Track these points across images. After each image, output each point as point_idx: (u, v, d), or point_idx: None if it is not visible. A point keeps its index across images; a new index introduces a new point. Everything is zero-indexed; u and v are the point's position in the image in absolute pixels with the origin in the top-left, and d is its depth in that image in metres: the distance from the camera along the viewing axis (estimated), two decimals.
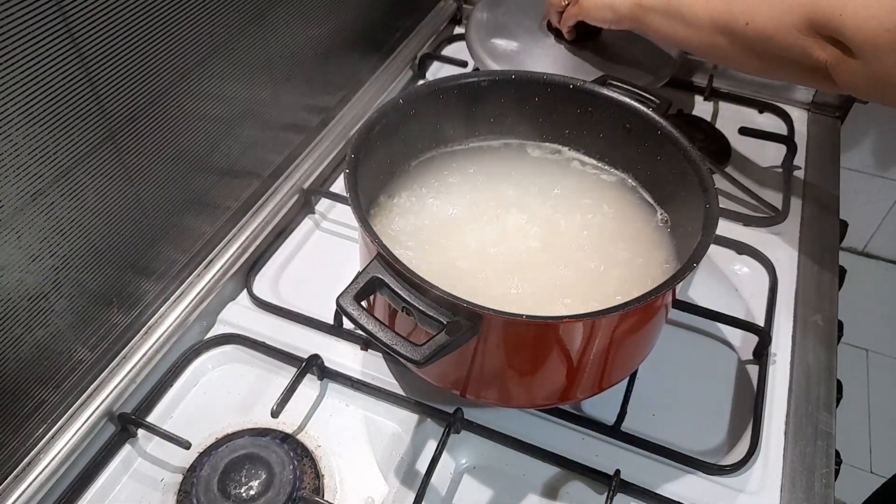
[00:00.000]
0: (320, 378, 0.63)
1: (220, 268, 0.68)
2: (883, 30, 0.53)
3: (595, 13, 0.75)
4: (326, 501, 0.54)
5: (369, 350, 0.65)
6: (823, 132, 0.91)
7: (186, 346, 0.65)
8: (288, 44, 0.72)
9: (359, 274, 0.49)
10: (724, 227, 0.77)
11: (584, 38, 0.85)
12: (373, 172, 0.61)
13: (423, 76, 0.98)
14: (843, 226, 0.80)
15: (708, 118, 0.92)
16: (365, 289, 0.48)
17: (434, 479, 0.55)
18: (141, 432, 0.59)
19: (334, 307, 0.51)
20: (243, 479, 0.54)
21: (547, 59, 0.84)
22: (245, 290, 0.70)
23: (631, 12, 0.72)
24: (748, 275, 0.74)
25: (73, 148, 0.50)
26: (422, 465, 0.57)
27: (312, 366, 0.61)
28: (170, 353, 0.63)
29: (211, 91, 0.62)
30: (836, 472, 0.59)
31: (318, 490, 0.55)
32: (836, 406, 0.63)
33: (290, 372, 0.61)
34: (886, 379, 1.65)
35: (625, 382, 0.60)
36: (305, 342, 0.65)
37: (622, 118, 0.63)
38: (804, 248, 0.76)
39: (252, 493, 0.54)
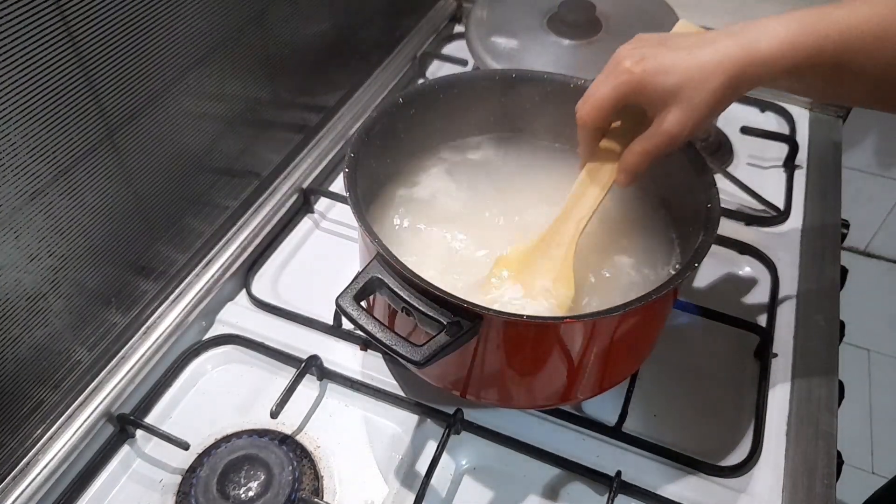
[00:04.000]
0: (320, 378, 0.62)
1: (219, 267, 0.68)
2: None
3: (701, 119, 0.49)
4: (326, 503, 0.53)
5: (369, 350, 0.65)
6: (825, 131, 0.91)
7: (185, 347, 0.64)
8: (287, 42, 0.72)
9: (358, 274, 0.48)
10: (726, 227, 0.76)
11: (583, 37, 0.85)
12: (372, 172, 0.61)
13: (423, 75, 0.97)
14: (845, 225, 0.80)
15: None
16: (365, 289, 0.48)
17: (434, 480, 0.55)
18: (139, 433, 0.59)
19: (334, 307, 0.51)
20: (242, 480, 0.54)
21: (547, 57, 0.84)
22: (244, 290, 0.70)
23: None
24: (750, 274, 0.73)
25: (72, 147, 0.49)
26: (422, 466, 0.57)
27: (312, 366, 0.61)
28: (168, 353, 0.63)
29: (210, 90, 0.62)
30: (838, 473, 0.59)
31: (318, 491, 0.55)
32: (838, 406, 0.62)
33: (289, 372, 0.61)
34: (888, 379, 1.65)
35: (626, 383, 0.60)
36: (305, 342, 0.65)
37: None
38: (806, 247, 0.76)
39: (251, 494, 0.53)
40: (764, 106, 0.94)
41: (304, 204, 0.78)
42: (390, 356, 0.62)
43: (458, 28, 1.07)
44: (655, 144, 0.50)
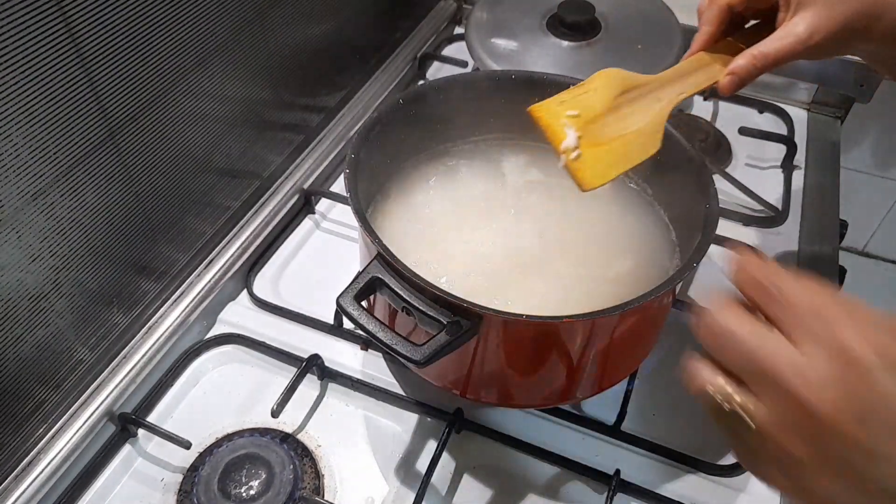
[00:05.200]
0: (320, 378, 0.63)
1: (221, 267, 0.68)
2: None
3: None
4: (326, 501, 0.54)
5: (369, 350, 0.65)
6: (823, 132, 0.91)
7: (187, 346, 0.65)
8: (288, 43, 0.72)
9: (359, 274, 0.49)
10: (724, 227, 0.76)
11: (583, 39, 0.85)
12: (373, 172, 0.61)
13: (423, 76, 0.98)
14: (843, 225, 0.80)
15: (708, 118, 0.92)
16: (365, 289, 0.48)
17: (434, 478, 0.55)
18: (141, 432, 0.59)
19: (334, 307, 0.51)
20: (243, 478, 0.54)
21: (547, 58, 0.84)
22: (245, 290, 0.70)
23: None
24: None
25: (74, 148, 0.50)
26: (422, 465, 0.57)
27: (312, 366, 0.61)
28: (170, 352, 0.63)
29: (211, 90, 0.62)
30: None
31: (318, 490, 0.55)
32: None
33: (290, 372, 0.61)
34: None
35: (625, 382, 0.60)
36: (306, 342, 0.65)
37: None
38: (804, 247, 0.76)
39: (252, 492, 0.54)
40: (762, 106, 0.94)
41: (305, 204, 0.78)
42: (391, 356, 0.62)
43: (458, 29, 1.07)
44: (778, 48, 0.48)
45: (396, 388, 0.62)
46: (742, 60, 0.50)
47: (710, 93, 0.94)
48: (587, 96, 0.50)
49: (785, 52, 0.48)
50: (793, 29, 0.48)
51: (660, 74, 0.52)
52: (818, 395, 0.28)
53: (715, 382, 0.32)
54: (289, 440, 0.58)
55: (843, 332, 0.28)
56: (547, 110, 0.49)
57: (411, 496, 0.54)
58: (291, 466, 0.55)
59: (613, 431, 0.59)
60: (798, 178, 0.84)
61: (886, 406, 0.27)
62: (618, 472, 0.56)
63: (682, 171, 0.58)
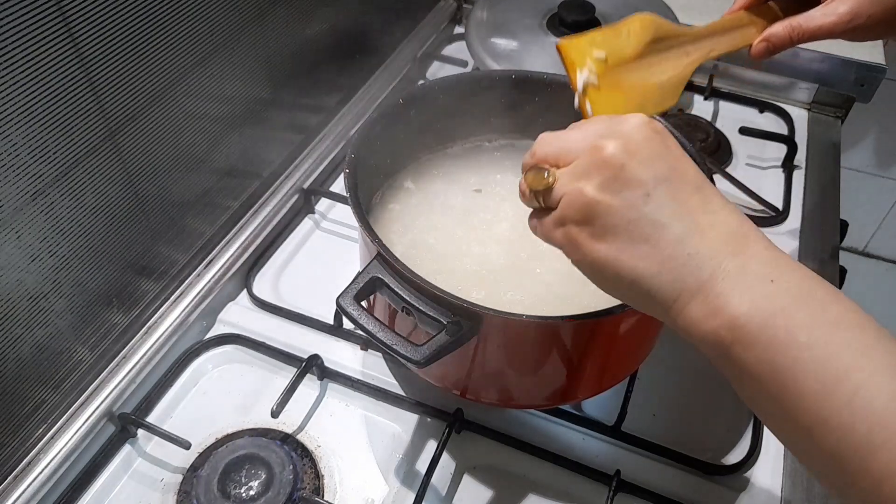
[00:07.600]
0: (320, 378, 0.63)
1: (220, 268, 0.68)
2: None
3: None
4: (326, 502, 0.54)
5: (369, 350, 0.65)
6: (824, 131, 0.91)
7: (186, 346, 0.65)
8: (288, 43, 0.72)
9: (359, 274, 0.49)
10: None
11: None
12: (373, 172, 0.61)
13: (423, 76, 0.97)
14: (844, 225, 0.80)
15: (708, 118, 0.92)
16: (365, 289, 0.48)
17: (434, 479, 0.55)
18: (141, 432, 0.59)
19: (334, 307, 0.51)
20: (243, 479, 0.54)
21: (547, 58, 0.84)
22: (245, 290, 0.70)
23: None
24: None
25: (73, 147, 0.49)
26: (422, 466, 0.57)
27: (312, 366, 0.61)
28: (170, 353, 0.63)
29: (210, 90, 0.62)
30: None
31: (318, 490, 0.55)
32: None
33: (289, 372, 0.61)
34: None
35: (625, 382, 0.60)
36: (305, 342, 0.65)
37: None
38: (804, 247, 0.76)
39: (252, 493, 0.54)
40: (763, 106, 0.94)
41: (304, 204, 0.78)
42: (391, 356, 0.62)
43: (459, 29, 1.07)
44: (818, 25, 0.48)
45: (396, 389, 0.62)
46: (779, 29, 0.49)
47: (710, 92, 0.94)
48: (618, 40, 0.49)
49: (823, 31, 0.47)
50: (836, 8, 0.47)
51: (695, 29, 0.51)
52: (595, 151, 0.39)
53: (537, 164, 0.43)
54: (289, 440, 0.58)
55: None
56: (575, 48, 0.49)
57: (411, 496, 0.54)
58: (291, 467, 0.55)
59: (614, 432, 0.59)
60: (798, 177, 0.84)
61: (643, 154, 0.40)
62: (618, 472, 0.56)
63: None
